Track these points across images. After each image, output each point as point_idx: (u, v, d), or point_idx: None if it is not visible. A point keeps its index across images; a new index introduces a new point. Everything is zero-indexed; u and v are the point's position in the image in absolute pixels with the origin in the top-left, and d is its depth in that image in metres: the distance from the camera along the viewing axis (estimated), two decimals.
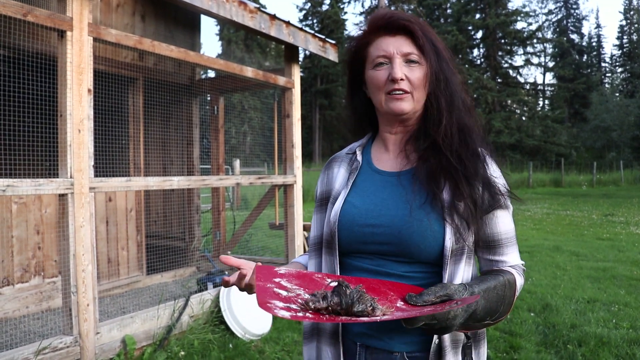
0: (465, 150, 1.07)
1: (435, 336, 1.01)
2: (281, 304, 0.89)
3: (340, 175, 1.19)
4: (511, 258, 1.11)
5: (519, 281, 1.09)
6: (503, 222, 1.09)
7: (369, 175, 1.15)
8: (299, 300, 0.92)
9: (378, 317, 0.88)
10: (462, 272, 1.04)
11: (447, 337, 1.02)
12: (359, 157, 1.19)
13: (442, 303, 0.91)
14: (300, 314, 0.87)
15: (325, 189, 1.21)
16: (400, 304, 0.94)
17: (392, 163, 1.15)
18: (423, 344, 1.04)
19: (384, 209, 1.06)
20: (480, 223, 1.06)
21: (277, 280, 0.98)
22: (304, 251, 4.92)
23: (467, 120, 1.11)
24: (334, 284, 0.93)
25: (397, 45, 1.08)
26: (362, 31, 1.15)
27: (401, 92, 1.08)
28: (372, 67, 1.11)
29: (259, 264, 1.01)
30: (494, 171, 1.10)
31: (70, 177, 2.81)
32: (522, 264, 1.15)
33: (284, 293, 0.94)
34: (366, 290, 0.93)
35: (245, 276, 1.01)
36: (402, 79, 1.07)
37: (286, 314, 0.86)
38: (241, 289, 1.04)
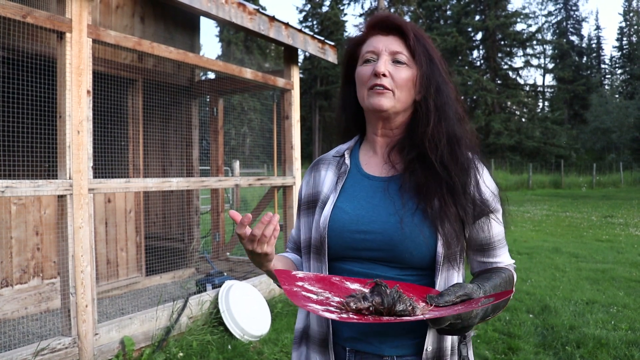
0: (454, 163, 1.05)
1: (427, 344, 1.02)
2: (319, 307, 0.88)
3: (328, 178, 1.16)
4: (503, 259, 1.13)
5: (515, 277, 1.12)
6: (494, 225, 1.09)
7: (358, 179, 1.13)
8: (332, 303, 0.91)
9: (421, 316, 0.88)
10: (456, 276, 1.05)
11: (442, 342, 1.03)
12: (347, 161, 1.16)
13: (463, 302, 0.92)
14: (344, 315, 0.86)
15: (312, 191, 1.19)
16: (422, 305, 0.94)
17: (381, 168, 1.12)
18: (413, 348, 1.04)
19: (375, 215, 1.05)
20: (471, 229, 1.07)
21: (299, 283, 0.97)
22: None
23: (458, 131, 1.08)
24: (371, 282, 0.94)
25: (387, 44, 1.08)
26: (360, 32, 1.15)
27: (381, 88, 1.06)
28: (361, 64, 1.11)
29: (276, 214, 0.97)
30: (485, 176, 1.09)
31: (69, 179, 2.82)
32: (513, 262, 1.17)
33: (314, 297, 0.93)
34: (399, 287, 0.93)
35: (247, 224, 0.96)
36: (384, 75, 1.05)
37: (332, 316, 0.85)
38: (241, 236, 0.97)
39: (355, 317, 0.86)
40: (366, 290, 0.93)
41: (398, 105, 1.08)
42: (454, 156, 1.06)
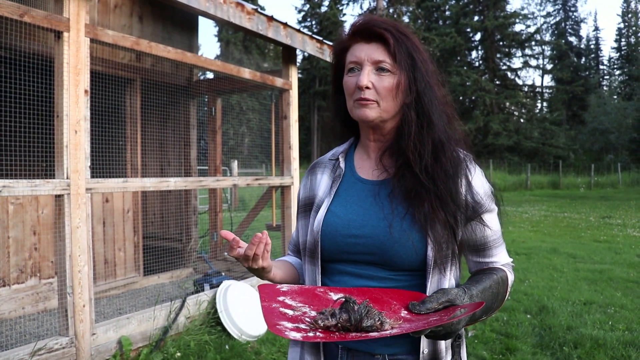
0: (440, 170, 1.04)
1: (423, 346, 1.02)
2: (290, 325, 0.91)
3: (323, 182, 1.18)
4: (500, 258, 1.13)
5: (510, 278, 1.12)
6: (489, 225, 1.09)
7: (351, 183, 1.14)
8: (307, 319, 0.93)
9: (388, 332, 0.89)
10: (449, 277, 1.05)
11: (438, 343, 1.03)
12: (342, 164, 1.17)
13: (446, 310, 0.93)
14: (310, 334, 0.88)
15: (308, 194, 1.21)
16: (404, 313, 0.95)
17: (374, 171, 1.13)
18: (407, 347, 1.04)
19: (365, 220, 1.06)
20: (463, 231, 1.07)
21: (281, 298, 0.99)
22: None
23: (443, 136, 1.07)
24: (340, 298, 0.95)
25: (369, 52, 1.06)
26: (344, 36, 1.13)
27: (366, 100, 1.05)
28: (346, 73, 1.10)
29: (265, 232, 1.00)
30: (477, 177, 1.08)
31: (67, 178, 2.81)
32: (511, 261, 1.17)
33: (290, 312, 0.95)
34: (370, 302, 0.94)
35: (237, 247, 1.00)
36: (367, 87, 1.05)
37: (297, 335, 0.87)
38: (235, 257, 1.02)
39: (321, 334, 0.88)
40: (353, 299, 0.95)
41: (384, 115, 1.08)
42: (439, 163, 1.05)
